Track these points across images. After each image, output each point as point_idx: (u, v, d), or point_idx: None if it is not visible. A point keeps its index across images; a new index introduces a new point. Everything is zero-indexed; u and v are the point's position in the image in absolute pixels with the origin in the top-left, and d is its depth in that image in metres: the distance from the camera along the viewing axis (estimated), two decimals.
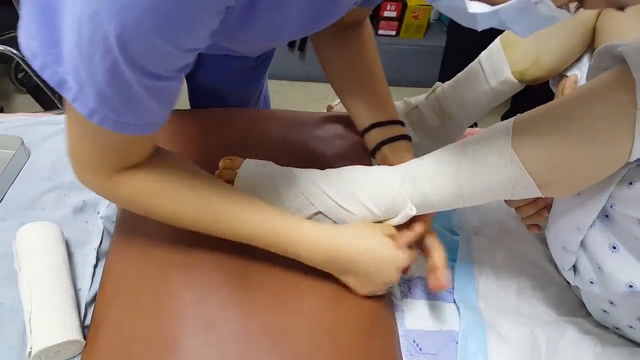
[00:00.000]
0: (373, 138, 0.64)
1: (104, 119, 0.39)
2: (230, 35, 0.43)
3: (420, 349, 0.55)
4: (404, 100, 0.78)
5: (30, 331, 0.47)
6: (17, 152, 0.66)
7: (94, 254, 0.59)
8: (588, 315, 0.60)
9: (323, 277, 0.54)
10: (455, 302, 0.60)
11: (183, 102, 0.90)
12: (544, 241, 0.66)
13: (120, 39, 0.32)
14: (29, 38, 0.37)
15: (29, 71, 1.59)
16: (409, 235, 0.53)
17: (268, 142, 0.72)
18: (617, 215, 0.45)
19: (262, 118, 0.78)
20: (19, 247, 0.54)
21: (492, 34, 0.71)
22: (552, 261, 0.64)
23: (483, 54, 0.71)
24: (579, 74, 0.66)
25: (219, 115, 0.76)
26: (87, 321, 0.53)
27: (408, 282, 0.62)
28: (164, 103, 0.42)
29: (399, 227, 0.55)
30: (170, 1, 0.31)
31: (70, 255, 0.57)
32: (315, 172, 0.57)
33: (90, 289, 0.56)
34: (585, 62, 0.67)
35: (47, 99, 1.68)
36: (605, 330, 0.58)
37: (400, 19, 2.04)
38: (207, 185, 0.50)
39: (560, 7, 0.33)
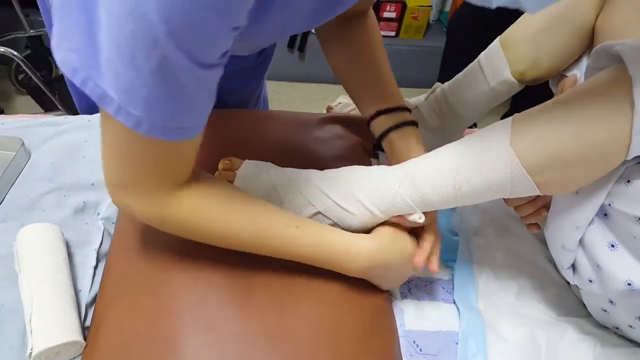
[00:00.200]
0: (379, 125, 0.63)
1: (151, 127, 0.37)
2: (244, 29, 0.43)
3: (420, 350, 0.55)
4: (404, 100, 0.78)
5: (31, 332, 0.47)
6: (17, 154, 0.66)
7: (94, 255, 0.59)
8: (588, 315, 0.60)
9: (323, 278, 0.54)
10: (455, 302, 0.60)
11: None
12: (543, 241, 0.66)
13: (170, 27, 0.31)
14: (67, 51, 0.36)
15: (29, 72, 1.59)
16: (425, 252, 0.54)
17: (267, 143, 0.72)
18: (615, 213, 0.45)
19: (261, 119, 0.78)
20: (20, 248, 0.54)
21: (491, 34, 0.72)
22: (552, 261, 0.64)
23: (482, 54, 0.72)
24: (578, 74, 0.66)
25: (218, 116, 0.75)
26: (88, 322, 0.53)
27: (408, 282, 0.62)
28: (210, 97, 0.40)
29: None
30: None
31: (70, 256, 0.57)
32: (314, 173, 0.57)
33: (90, 290, 0.56)
34: (585, 62, 0.67)
35: (47, 100, 1.68)
36: (605, 330, 0.58)
37: (399, 19, 2.04)
38: (258, 205, 0.51)
39: None
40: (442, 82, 0.76)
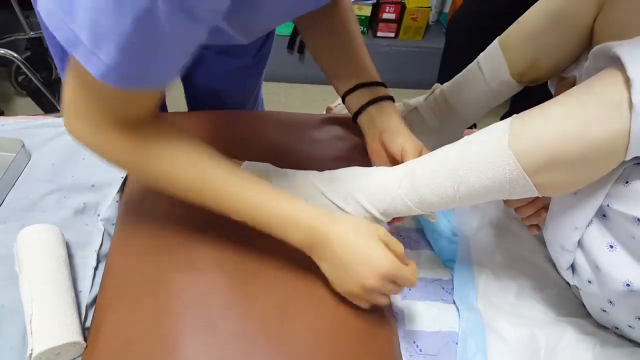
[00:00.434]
0: (357, 99, 0.64)
1: (119, 77, 0.37)
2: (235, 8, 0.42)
3: (420, 350, 0.56)
4: (403, 101, 0.78)
5: (31, 333, 0.47)
6: (17, 155, 0.67)
7: (95, 256, 0.59)
8: (588, 315, 0.60)
9: (323, 278, 0.54)
10: (454, 302, 0.61)
11: (181, 105, 0.90)
12: (543, 242, 0.66)
13: None
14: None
15: (29, 74, 1.60)
16: (395, 242, 0.50)
17: (267, 144, 0.72)
18: (614, 214, 0.46)
19: (260, 120, 0.79)
20: (20, 249, 0.54)
21: (490, 35, 0.72)
22: (551, 262, 0.64)
23: (482, 55, 0.72)
24: (577, 74, 0.66)
25: (217, 118, 0.76)
26: (88, 323, 0.53)
27: None
28: (185, 54, 0.40)
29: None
30: None
31: (70, 257, 0.57)
32: (313, 174, 0.57)
33: (90, 291, 0.56)
34: (583, 63, 0.67)
35: (47, 102, 1.68)
36: (605, 330, 0.58)
37: (399, 21, 2.04)
38: (204, 153, 0.49)
39: None
40: (442, 83, 0.76)
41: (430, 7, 2.05)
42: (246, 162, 0.61)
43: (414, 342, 0.56)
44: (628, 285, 0.46)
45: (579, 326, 0.58)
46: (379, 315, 0.56)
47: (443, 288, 0.63)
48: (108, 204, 0.65)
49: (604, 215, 0.47)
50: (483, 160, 0.45)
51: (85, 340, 0.50)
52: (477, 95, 0.71)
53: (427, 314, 0.59)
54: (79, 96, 0.43)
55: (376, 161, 0.64)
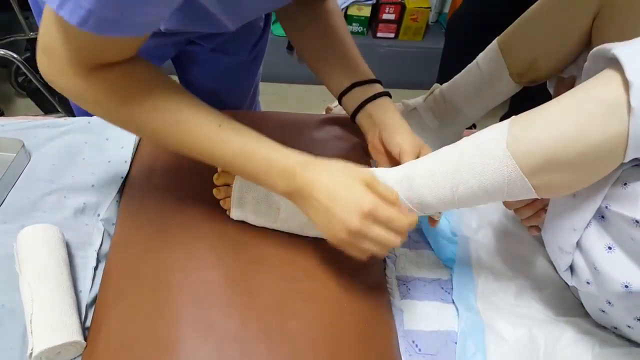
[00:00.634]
0: (355, 98, 0.64)
1: (100, 21, 0.37)
2: None
3: (419, 350, 0.56)
4: (402, 102, 0.78)
5: (31, 332, 0.48)
6: (18, 155, 0.67)
7: (95, 256, 0.59)
8: (587, 315, 0.60)
9: (322, 278, 0.54)
10: (454, 302, 0.61)
11: None
12: (542, 242, 0.66)
13: None
14: None
15: (29, 75, 1.60)
16: (384, 187, 0.48)
17: None
18: (612, 216, 0.46)
19: (260, 120, 0.79)
20: (20, 249, 0.54)
21: (490, 36, 0.72)
22: (550, 262, 0.64)
23: (481, 55, 0.72)
24: (576, 75, 0.67)
25: None
26: (88, 323, 0.53)
27: (406, 282, 0.62)
28: (171, 1, 0.40)
29: None
30: None
31: (70, 257, 0.57)
32: None
33: (90, 290, 0.56)
34: (582, 64, 0.67)
35: (47, 103, 1.68)
36: (604, 330, 0.58)
37: (398, 21, 2.05)
38: (185, 98, 0.48)
39: None
40: (441, 84, 0.76)
41: (430, 8, 2.05)
42: None
43: (413, 342, 0.56)
44: (626, 286, 0.46)
45: (578, 326, 0.58)
46: (378, 315, 0.56)
47: (442, 288, 0.63)
48: (108, 204, 0.65)
49: (603, 217, 0.47)
50: (481, 162, 0.45)
51: (85, 339, 0.50)
52: (476, 95, 0.72)
53: (426, 314, 0.59)
54: (55, 40, 0.43)
55: (376, 159, 0.65)
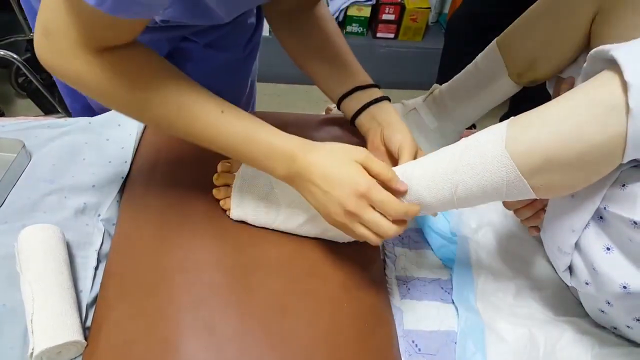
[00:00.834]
0: (356, 101, 0.65)
1: (117, 4, 0.37)
2: None
3: (419, 350, 0.56)
4: (402, 102, 0.79)
5: (32, 332, 0.48)
6: (18, 155, 0.67)
7: (95, 256, 0.59)
8: (586, 315, 0.60)
9: (322, 278, 0.54)
10: (453, 302, 0.61)
11: None
12: (541, 242, 0.66)
13: None
14: None
15: (29, 75, 1.60)
16: (379, 165, 0.49)
17: None
18: (610, 216, 0.46)
19: None
20: (21, 249, 0.54)
21: (489, 36, 0.72)
22: (550, 262, 0.64)
23: (480, 56, 0.72)
24: (575, 76, 0.67)
25: None
26: (88, 322, 0.53)
27: (406, 282, 0.62)
28: None
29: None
30: None
31: (71, 257, 0.57)
32: None
33: (91, 290, 0.56)
34: (582, 64, 0.67)
35: (47, 103, 1.68)
36: (604, 330, 0.58)
37: (398, 21, 2.05)
38: (186, 83, 0.49)
39: None
40: (441, 84, 0.76)
41: (429, 8, 2.05)
42: None
43: (413, 342, 0.56)
44: (625, 287, 0.46)
45: (577, 326, 0.58)
46: (378, 315, 0.56)
47: (442, 288, 0.63)
48: (108, 204, 0.65)
49: (601, 218, 0.47)
50: (480, 163, 0.45)
51: (85, 339, 0.50)
52: (476, 95, 0.72)
53: (426, 314, 0.59)
54: (62, 21, 0.43)
55: (376, 157, 0.65)
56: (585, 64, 0.47)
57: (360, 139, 0.69)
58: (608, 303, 0.52)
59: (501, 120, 0.48)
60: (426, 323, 0.58)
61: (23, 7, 0.73)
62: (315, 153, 0.49)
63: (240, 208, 0.59)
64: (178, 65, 0.47)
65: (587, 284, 0.51)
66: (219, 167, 0.62)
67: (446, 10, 2.23)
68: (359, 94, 0.66)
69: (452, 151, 0.49)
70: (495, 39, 0.70)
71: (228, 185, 0.61)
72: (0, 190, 0.63)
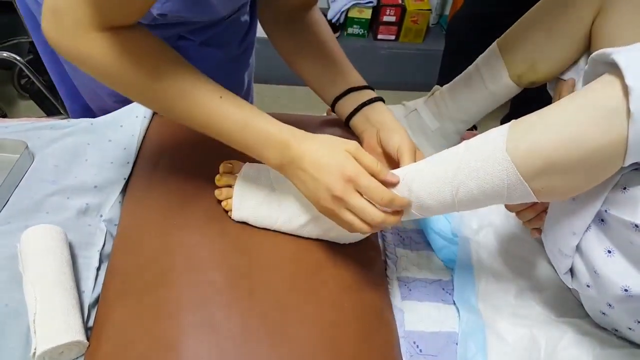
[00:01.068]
0: (350, 102, 0.66)
1: None
2: None
3: (421, 350, 0.56)
4: (403, 103, 0.79)
5: (35, 332, 0.48)
6: (21, 156, 0.67)
7: (97, 257, 0.59)
8: (587, 316, 0.60)
9: (323, 278, 0.55)
10: (455, 303, 0.61)
11: None
12: (542, 243, 0.66)
13: None
14: None
15: (31, 77, 1.60)
16: (369, 158, 0.50)
17: None
18: (612, 219, 0.46)
19: None
20: (23, 249, 0.55)
21: (490, 37, 0.73)
22: (550, 262, 0.64)
23: (480, 57, 0.72)
24: (576, 77, 0.67)
25: None
26: (90, 322, 0.53)
27: (407, 283, 0.63)
28: None
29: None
30: None
31: (73, 257, 0.57)
32: None
33: (93, 290, 0.56)
34: (582, 66, 0.67)
35: (50, 105, 1.69)
36: (605, 331, 0.58)
37: (399, 23, 2.05)
38: (186, 68, 0.50)
39: None
40: (442, 85, 0.77)
41: (430, 10, 2.05)
42: (247, 163, 0.62)
43: (414, 343, 0.57)
44: (626, 290, 0.46)
45: (578, 327, 0.58)
46: (379, 315, 0.56)
47: (443, 289, 0.63)
48: (110, 204, 0.66)
49: (602, 221, 0.47)
50: (481, 166, 0.45)
51: (87, 339, 0.51)
52: (477, 97, 0.72)
53: (427, 315, 0.59)
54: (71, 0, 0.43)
55: None
56: (586, 67, 0.47)
57: (360, 140, 0.69)
58: (609, 305, 0.52)
59: (502, 121, 0.48)
60: (427, 324, 0.59)
61: (19, 7, 0.73)
62: (308, 142, 0.51)
63: (241, 209, 0.59)
64: None
65: (588, 286, 0.51)
66: (221, 168, 0.62)
67: (447, 12, 2.23)
68: (352, 95, 0.67)
69: (453, 154, 0.49)
70: (496, 40, 0.70)
71: (230, 186, 0.61)
72: (3, 191, 0.64)
